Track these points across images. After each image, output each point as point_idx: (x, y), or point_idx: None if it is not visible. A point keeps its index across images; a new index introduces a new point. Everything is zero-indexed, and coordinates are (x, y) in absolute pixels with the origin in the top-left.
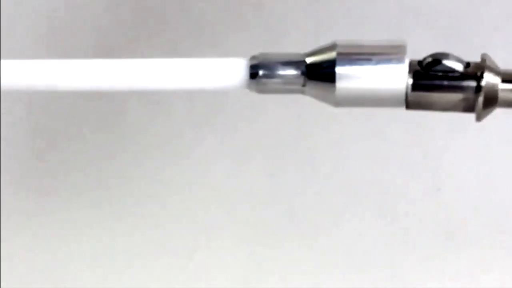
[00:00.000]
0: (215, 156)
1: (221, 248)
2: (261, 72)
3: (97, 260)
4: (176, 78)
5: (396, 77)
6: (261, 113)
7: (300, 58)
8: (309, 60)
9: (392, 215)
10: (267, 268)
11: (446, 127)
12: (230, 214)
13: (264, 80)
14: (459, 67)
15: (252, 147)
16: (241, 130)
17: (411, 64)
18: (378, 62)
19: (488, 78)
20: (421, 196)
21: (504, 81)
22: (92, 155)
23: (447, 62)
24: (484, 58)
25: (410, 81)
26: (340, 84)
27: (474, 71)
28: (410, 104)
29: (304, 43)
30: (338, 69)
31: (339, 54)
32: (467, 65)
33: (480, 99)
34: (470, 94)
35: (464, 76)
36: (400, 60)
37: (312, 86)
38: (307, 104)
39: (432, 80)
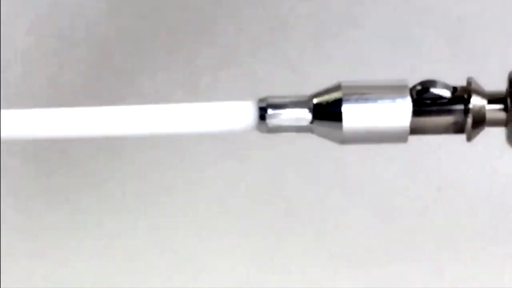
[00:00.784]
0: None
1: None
2: (269, 114)
3: (97, 260)
4: (185, 123)
5: (400, 116)
6: None
7: (307, 99)
8: (315, 100)
9: (392, 215)
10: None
11: None
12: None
13: (273, 121)
14: (447, 93)
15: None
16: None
17: None
18: (382, 101)
19: (475, 101)
20: (421, 196)
21: (490, 102)
22: (92, 155)
23: (435, 90)
24: (469, 82)
25: (470, 119)
26: (346, 123)
27: (461, 95)
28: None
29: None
30: (344, 108)
31: (344, 94)
32: (454, 90)
33: (469, 120)
34: (459, 117)
35: (452, 101)
36: (404, 99)
37: (319, 125)
38: None
39: (424, 107)
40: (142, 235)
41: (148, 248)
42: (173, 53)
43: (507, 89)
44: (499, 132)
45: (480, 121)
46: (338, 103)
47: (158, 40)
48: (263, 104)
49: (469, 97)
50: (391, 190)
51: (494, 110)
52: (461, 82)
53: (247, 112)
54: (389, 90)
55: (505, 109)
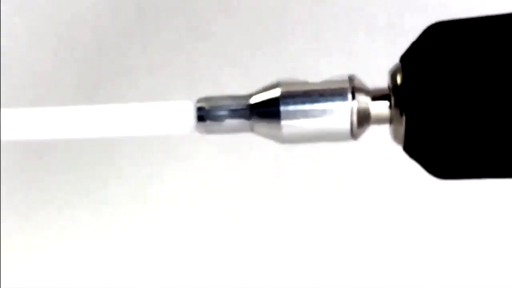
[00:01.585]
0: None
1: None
2: (207, 115)
3: (97, 260)
4: (124, 125)
5: (340, 116)
6: None
7: (245, 98)
8: (253, 100)
9: (392, 212)
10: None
11: None
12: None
13: (211, 122)
14: None
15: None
16: None
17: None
18: (321, 102)
19: (359, 98)
20: (421, 193)
21: (374, 99)
22: (91, 155)
23: None
24: (352, 79)
25: (355, 117)
26: (285, 122)
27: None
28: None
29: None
30: (283, 107)
31: (283, 93)
32: None
33: (354, 118)
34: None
35: None
36: (343, 99)
37: (259, 125)
38: None
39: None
40: (143, 236)
41: (148, 248)
42: (173, 53)
43: (389, 86)
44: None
45: (365, 119)
46: (276, 102)
47: (158, 40)
48: (201, 104)
49: (353, 94)
50: (391, 187)
51: (378, 107)
52: None
53: (186, 112)
54: (328, 91)
55: (389, 106)
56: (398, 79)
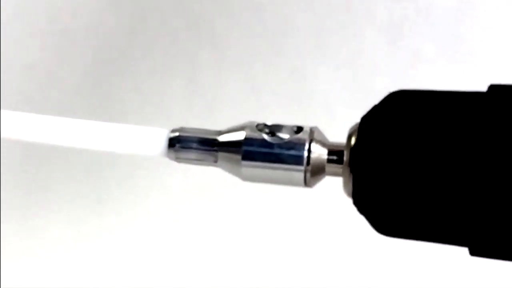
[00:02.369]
0: None
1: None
2: (178, 145)
3: (97, 260)
4: (102, 142)
5: (294, 164)
6: None
7: (214, 136)
8: (221, 138)
9: None
10: None
11: None
12: None
13: (180, 151)
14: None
15: None
16: None
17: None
18: (280, 147)
19: (315, 149)
20: None
21: (330, 153)
22: (91, 156)
23: (280, 134)
24: (312, 131)
25: (309, 167)
26: (245, 162)
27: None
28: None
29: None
30: (244, 151)
31: (247, 136)
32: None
33: (308, 168)
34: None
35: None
36: (300, 148)
37: (223, 162)
38: None
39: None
40: (143, 236)
41: (149, 250)
42: (173, 53)
43: (346, 143)
44: None
45: (319, 170)
46: (238, 145)
47: (158, 40)
48: (174, 135)
49: (309, 146)
50: None
51: (332, 161)
52: None
53: (158, 139)
54: (288, 140)
55: (342, 162)
56: (353, 140)
